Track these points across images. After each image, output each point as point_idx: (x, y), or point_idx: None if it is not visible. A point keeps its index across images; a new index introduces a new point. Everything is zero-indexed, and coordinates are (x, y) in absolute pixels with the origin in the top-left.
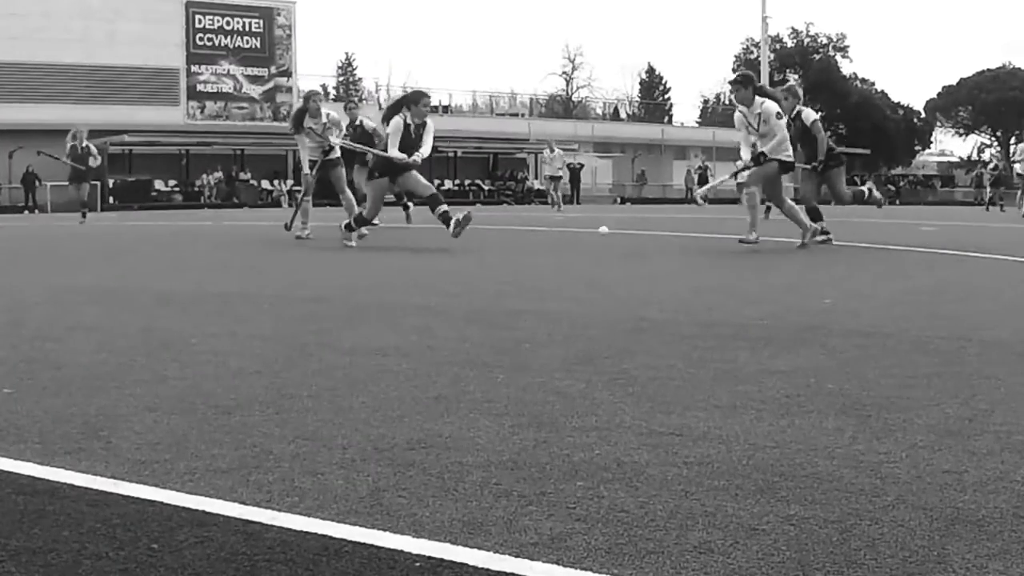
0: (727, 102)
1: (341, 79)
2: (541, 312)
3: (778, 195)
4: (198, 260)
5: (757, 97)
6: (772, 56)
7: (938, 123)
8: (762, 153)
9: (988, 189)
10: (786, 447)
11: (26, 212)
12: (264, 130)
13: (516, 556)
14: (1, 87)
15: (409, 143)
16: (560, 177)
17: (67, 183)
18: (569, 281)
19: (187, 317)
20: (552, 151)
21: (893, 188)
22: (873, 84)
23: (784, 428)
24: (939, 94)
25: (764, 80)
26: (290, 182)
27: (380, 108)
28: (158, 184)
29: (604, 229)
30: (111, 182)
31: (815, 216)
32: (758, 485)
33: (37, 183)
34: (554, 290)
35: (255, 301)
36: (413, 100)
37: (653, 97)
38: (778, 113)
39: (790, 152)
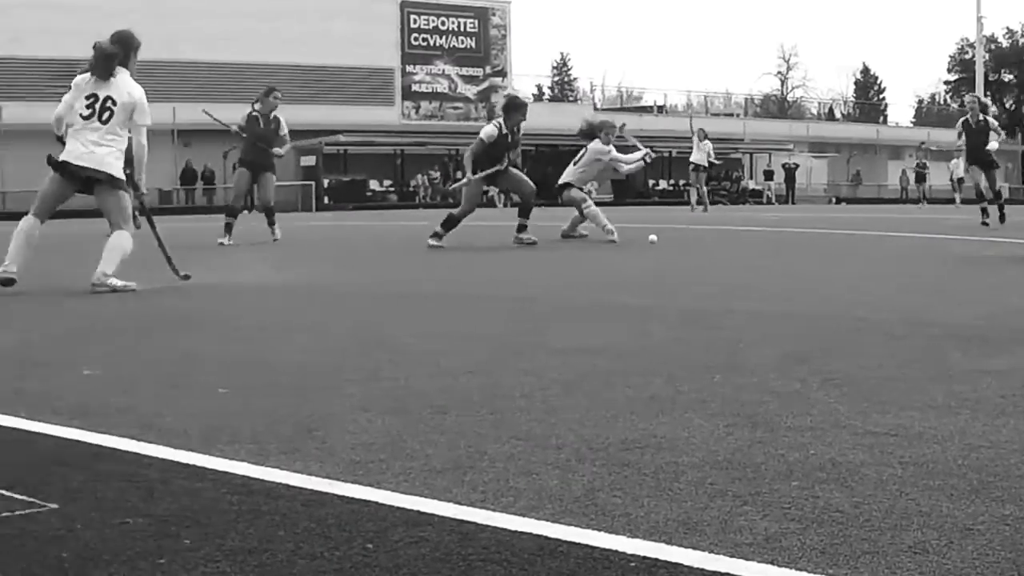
0: (942, 102)
1: (556, 79)
2: (752, 312)
3: None
4: (409, 259)
5: None
6: (987, 56)
7: None
8: None
9: None
10: (1001, 447)
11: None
12: (479, 130)
13: (731, 556)
14: (217, 87)
15: (504, 147)
16: (702, 168)
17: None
18: (776, 279)
19: (400, 316)
20: (702, 140)
21: None
22: None
23: (999, 428)
24: None
25: (979, 80)
26: None
27: (596, 109)
28: (373, 184)
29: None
30: (326, 182)
31: None
32: (973, 485)
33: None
34: (762, 289)
35: (464, 300)
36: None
37: (868, 97)
38: None
39: None
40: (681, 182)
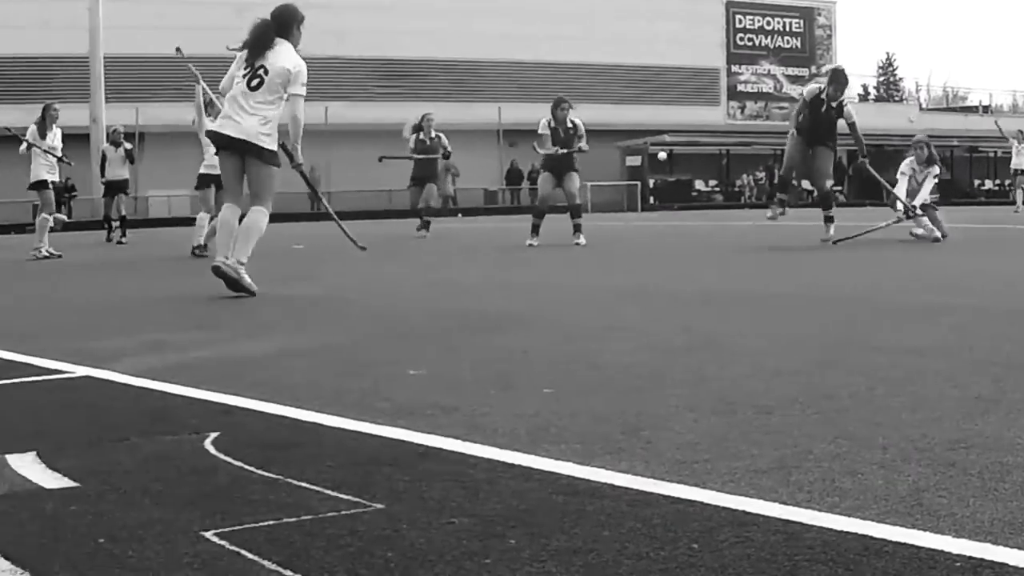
0: None
1: (881, 79)
2: None
3: None
4: (734, 260)
5: None
6: None
7: None
8: None
9: None
10: None
11: None
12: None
13: None
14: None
15: (819, 119)
16: (1020, 171)
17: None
18: None
19: (724, 317)
20: (1021, 143)
21: None
22: None
23: None
24: None
25: None
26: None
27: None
28: (698, 184)
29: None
30: (651, 182)
31: None
32: None
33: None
34: None
35: (789, 300)
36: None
37: None
38: None
39: None
40: (1006, 182)
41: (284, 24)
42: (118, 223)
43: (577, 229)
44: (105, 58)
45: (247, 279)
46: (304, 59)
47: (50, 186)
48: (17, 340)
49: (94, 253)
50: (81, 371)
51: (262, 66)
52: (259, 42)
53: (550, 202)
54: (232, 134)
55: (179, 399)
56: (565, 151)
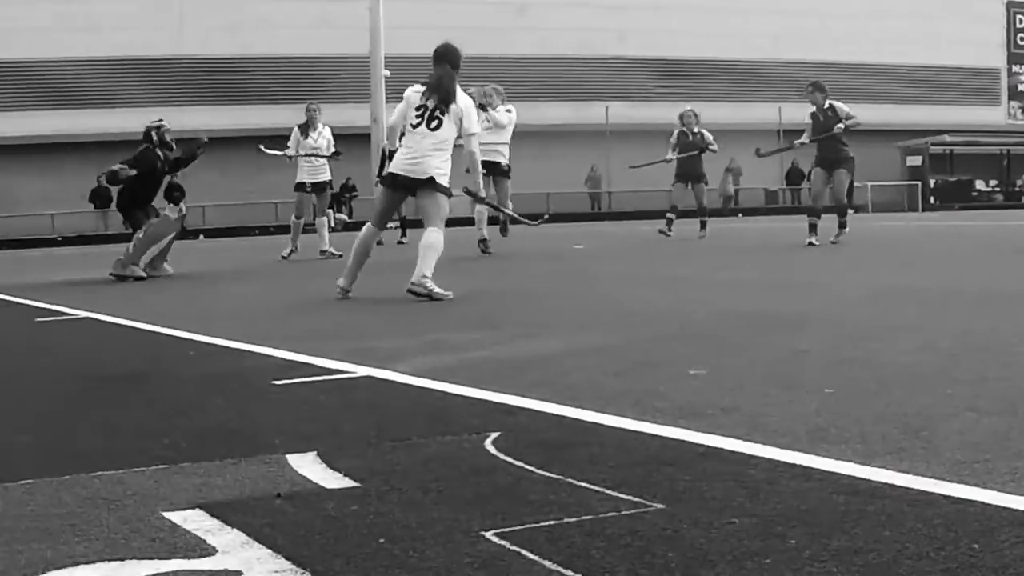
0: None
1: None
2: None
3: None
4: (1014, 260)
5: None
6: None
7: None
8: None
9: None
10: None
11: None
12: None
13: None
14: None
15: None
16: None
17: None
18: None
19: (1005, 317)
20: None
21: None
22: None
23: None
24: None
25: None
26: None
27: None
28: (979, 184)
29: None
30: (932, 182)
31: None
32: None
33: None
34: None
35: None
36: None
37: None
38: None
39: None
40: None
41: (456, 67)
42: (398, 223)
43: (841, 227)
44: (386, 58)
45: (437, 289)
46: (586, 59)
47: (308, 188)
48: (298, 340)
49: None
50: (362, 371)
51: (437, 107)
52: (445, 89)
53: (822, 201)
54: (413, 176)
55: (459, 399)
56: (826, 134)
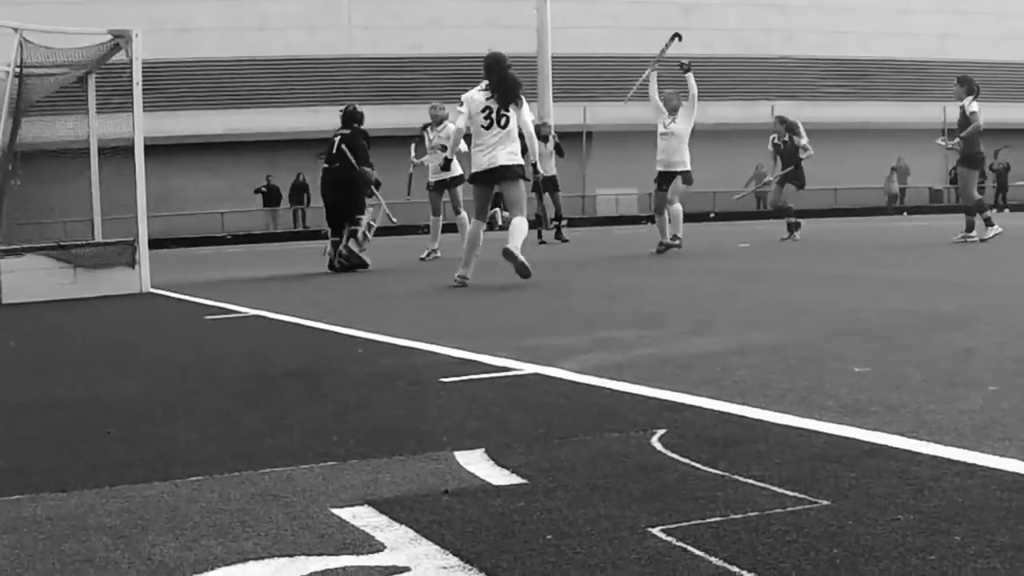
0: None
1: None
2: None
3: None
4: None
5: None
6: None
7: None
8: None
9: None
10: None
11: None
12: None
13: None
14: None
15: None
16: None
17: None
18: None
19: None
20: None
21: None
22: None
23: None
24: None
25: None
26: None
27: None
28: None
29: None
30: None
31: None
32: None
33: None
34: None
35: None
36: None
37: None
38: None
39: None
40: None
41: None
42: (555, 220)
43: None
44: (553, 58)
45: (522, 258)
46: (751, 58)
47: (430, 187)
48: (466, 338)
49: (539, 253)
50: (529, 368)
51: (504, 107)
52: (510, 91)
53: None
54: (495, 167)
55: (626, 396)
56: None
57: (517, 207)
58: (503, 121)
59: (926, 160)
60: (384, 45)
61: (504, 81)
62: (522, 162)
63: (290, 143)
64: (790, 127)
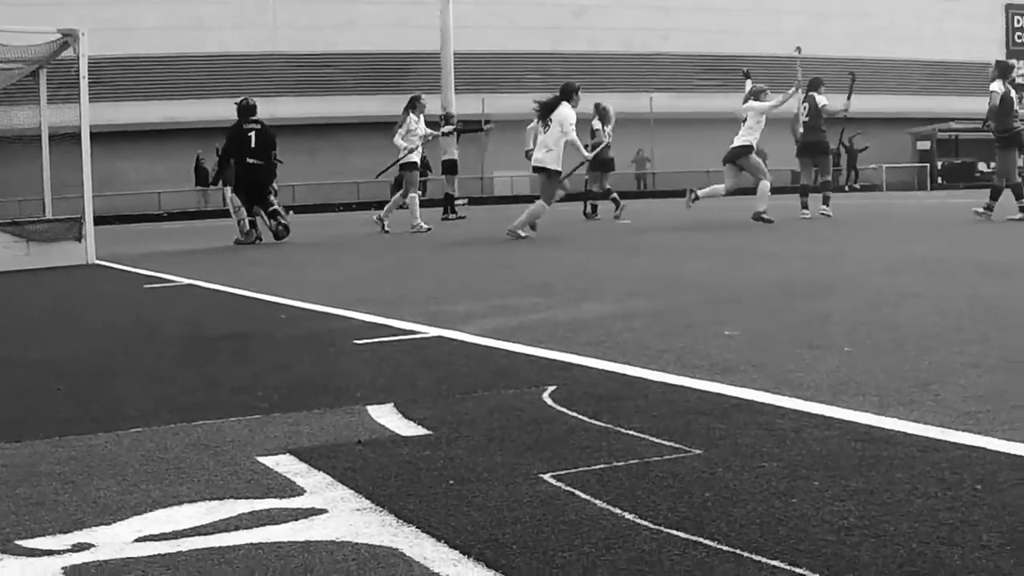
0: None
1: None
2: None
3: None
4: (1009, 235)
5: None
6: None
7: None
8: None
9: None
10: None
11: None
12: None
13: None
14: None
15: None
16: None
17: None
18: None
19: (1004, 285)
20: None
21: None
22: None
23: None
24: None
25: None
26: None
27: None
28: (981, 166)
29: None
30: (939, 164)
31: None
32: None
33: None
34: None
35: None
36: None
37: None
38: None
39: None
40: None
41: (565, 95)
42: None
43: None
44: (455, 54)
45: (522, 232)
46: (633, 55)
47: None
48: (378, 305)
49: (446, 229)
50: (433, 332)
51: (549, 118)
52: (546, 107)
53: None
54: (538, 164)
55: (520, 357)
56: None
57: (543, 193)
58: (546, 130)
59: (786, 145)
60: (304, 43)
61: (547, 102)
62: (553, 166)
63: (221, 130)
64: (601, 114)
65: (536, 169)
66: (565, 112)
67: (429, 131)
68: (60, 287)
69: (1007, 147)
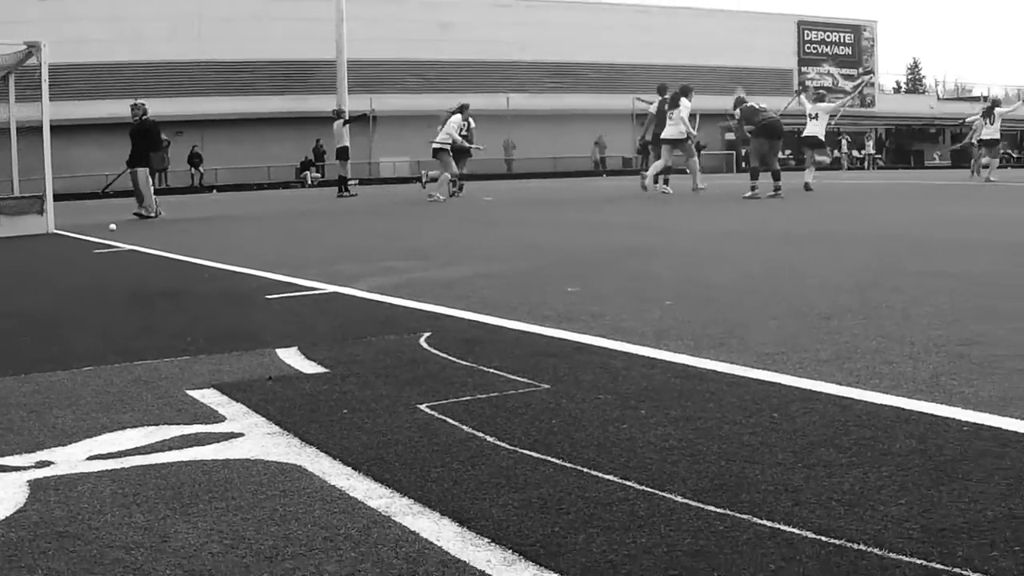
0: None
1: (909, 76)
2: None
3: None
4: (802, 208)
5: None
6: None
7: None
8: None
9: None
10: None
11: None
12: (856, 113)
13: None
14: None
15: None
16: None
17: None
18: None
19: (798, 251)
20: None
21: None
22: None
23: None
24: None
25: None
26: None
27: (938, 99)
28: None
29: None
30: (743, 151)
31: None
32: None
33: None
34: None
35: (846, 240)
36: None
37: None
38: None
39: None
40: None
41: (684, 93)
42: (354, 182)
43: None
44: (348, 61)
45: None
46: (495, 62)
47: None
48: (285, 266)
49: (341, 204)
50: (330, 288)
51: (674, 108)
52: (672, 100)
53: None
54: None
55: (401, 308)
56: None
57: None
58: (673, 114)
59: (619, 136)
60: (226, 53)
61: (670, 95)
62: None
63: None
64: (460, 110)
65: (669, 140)
66: (686, 103)
67: (462, 133)
68: (25, 252)
69: (755, 137)
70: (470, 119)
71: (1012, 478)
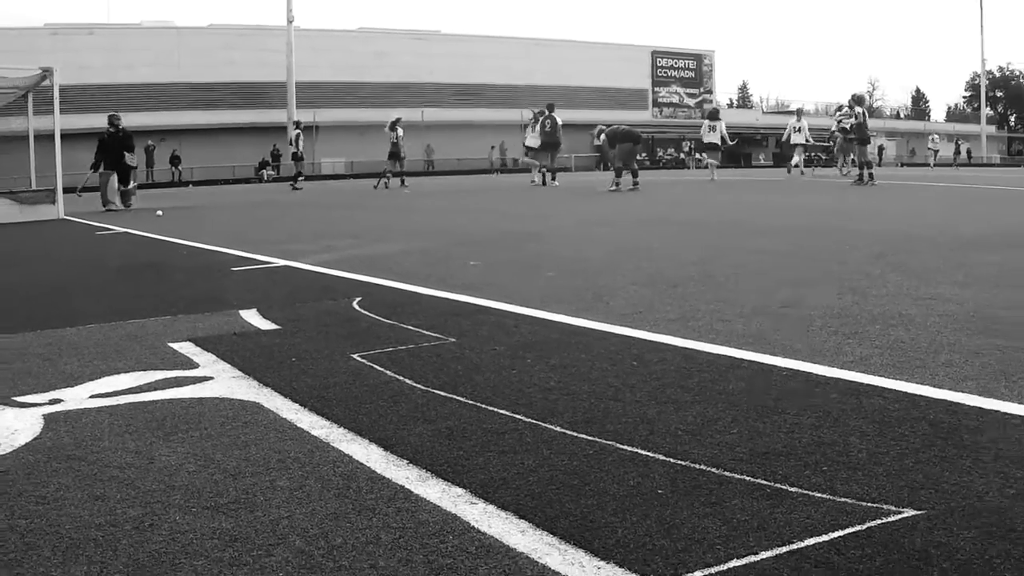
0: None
1: (739, 95)
2: (854, 230)
3: None
4: (654, 200)
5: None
6: (988, 81)
7: None
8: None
9: None
10: (997, 307)
11: None
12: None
13: (829, 365)
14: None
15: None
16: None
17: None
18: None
19: (653, 233)
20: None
21: None
22: None
23: (995, 296)
24: None
25: (983, 97)
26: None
27: (763, 112)
28: (639, 156)
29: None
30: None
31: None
32: (978, 327)
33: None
34: (851, 213)
35: (693, 224)
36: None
37: (918, 105)
38: None
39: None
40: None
41: (714, 116)
42: (301, 177)
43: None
44: (296, 83)
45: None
46: (412, 83)
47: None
48: (246, 244)
49: (292, 196)
50: (282, 263)
51: (718, 121)
52: (711, 115)
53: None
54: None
55: (339, 279)
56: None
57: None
58: (713, 124)
59: (516, 142)
60: (199, 75)
61: (711, 112)
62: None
63: (146, 132)
64: (395, 123)
65: (708, 145)
66: (723, 119)
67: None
68: (40, 234)
69: (621, 141)
70: (399, 128)
71: (820, 413)
